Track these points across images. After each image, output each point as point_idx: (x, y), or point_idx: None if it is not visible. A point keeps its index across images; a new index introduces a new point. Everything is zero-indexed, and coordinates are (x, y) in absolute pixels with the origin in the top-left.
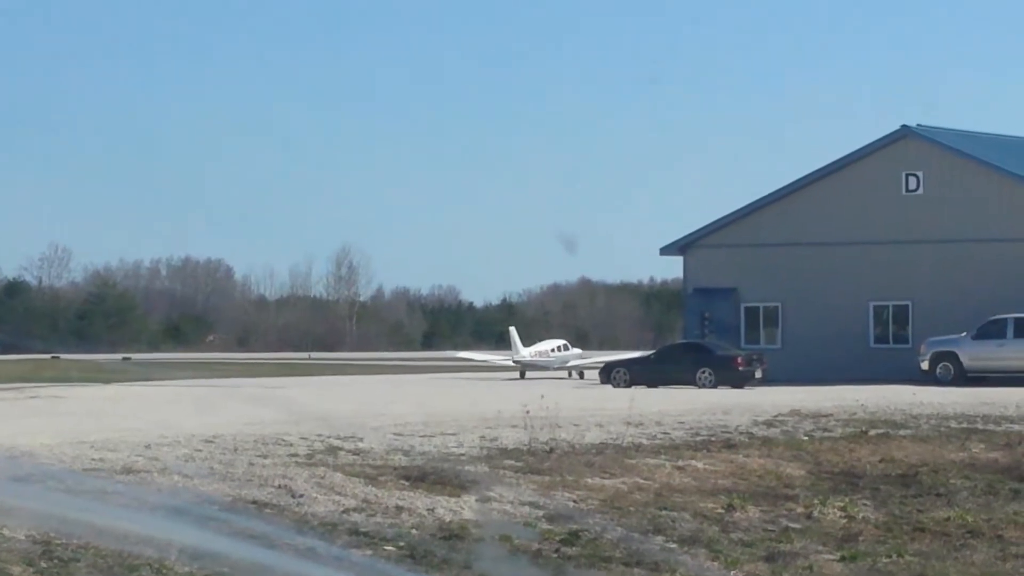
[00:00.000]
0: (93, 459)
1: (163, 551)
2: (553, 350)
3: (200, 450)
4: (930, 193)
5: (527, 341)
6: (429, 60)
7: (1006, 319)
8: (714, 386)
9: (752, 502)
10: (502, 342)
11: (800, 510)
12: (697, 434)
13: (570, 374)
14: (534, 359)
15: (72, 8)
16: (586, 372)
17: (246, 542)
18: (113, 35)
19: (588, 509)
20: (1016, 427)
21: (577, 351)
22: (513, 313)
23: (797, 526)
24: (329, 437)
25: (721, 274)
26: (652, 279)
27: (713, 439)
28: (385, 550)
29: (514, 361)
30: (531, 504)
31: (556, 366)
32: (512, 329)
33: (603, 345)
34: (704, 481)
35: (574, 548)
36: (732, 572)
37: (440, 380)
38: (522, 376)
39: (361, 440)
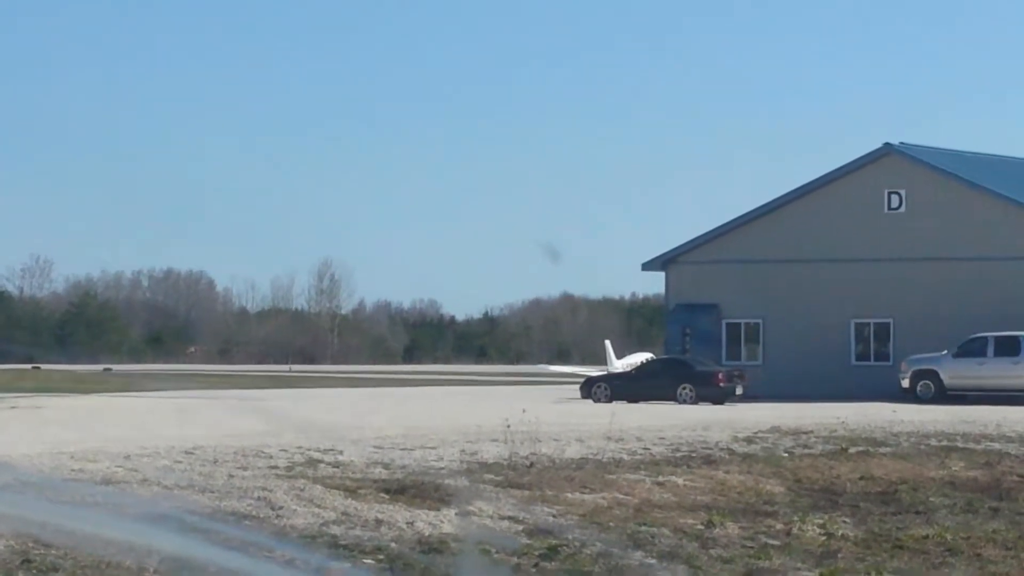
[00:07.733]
0: (73, 469)
1: (142, 561)
2: (642, 363)
3: (180, 461)
4: (912, 211)
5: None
6: (413, 75)
7: (986, 337)
8: (695, 402)
9: (731, 518)
10: (483, 356)
11: (779, 527)
12: (677, 450)
13: None
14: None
15: (54, 20)
16: None
17: (225, 553)
18: (96, 47)
19: (568, 524)
20: (996, 445)
21: None
22: (495, 327)
23: (776, 543)
24: (309, 449)
25: (703, 290)
26: (634, 294)
27: (693, 455)
28: (364, 563)
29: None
30: (511, 518)
31: None
32: (608, 343)
33: (585, 360)
34: (684, 497)
35: (553, 562)
36: None
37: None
38: None
39: (341, 453)
